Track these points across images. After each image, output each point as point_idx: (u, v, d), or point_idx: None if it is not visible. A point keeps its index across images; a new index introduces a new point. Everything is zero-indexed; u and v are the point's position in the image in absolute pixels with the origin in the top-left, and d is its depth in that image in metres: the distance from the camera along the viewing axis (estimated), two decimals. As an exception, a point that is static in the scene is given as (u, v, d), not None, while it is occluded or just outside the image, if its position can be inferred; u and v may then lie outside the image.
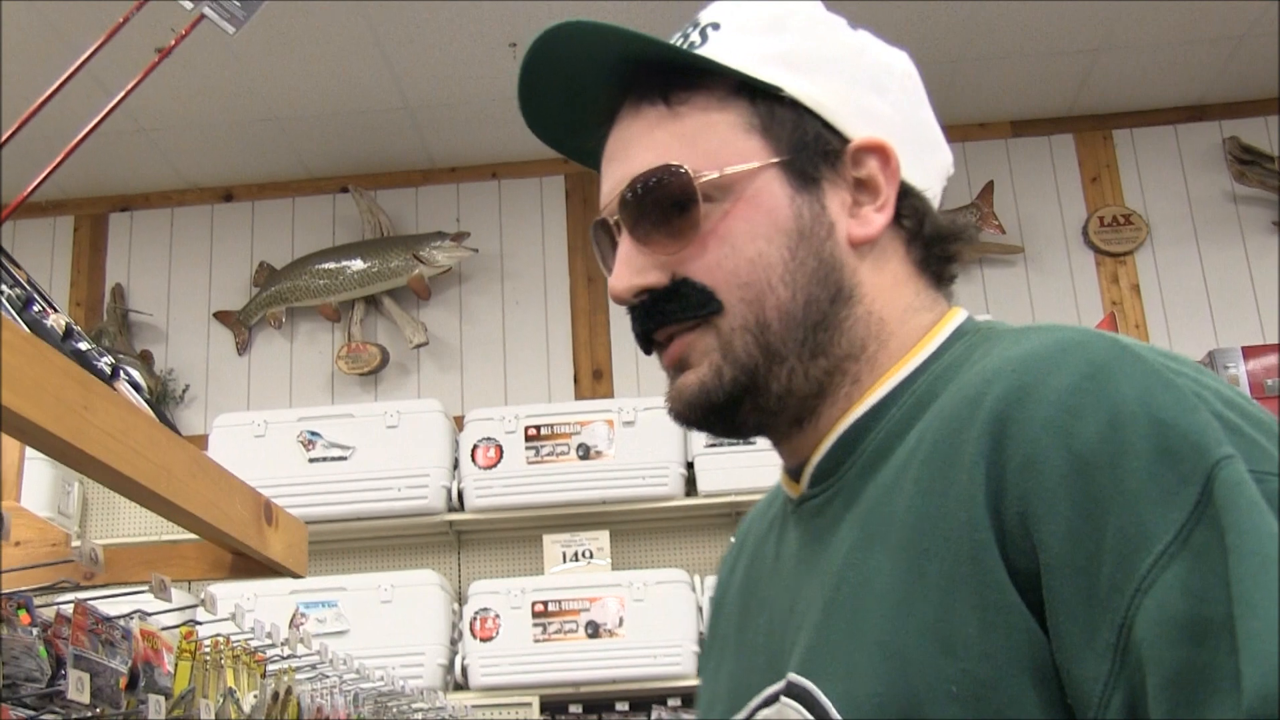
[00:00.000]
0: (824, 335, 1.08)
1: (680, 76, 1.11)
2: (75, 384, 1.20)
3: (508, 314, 6.42)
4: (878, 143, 1.11)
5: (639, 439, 5.52)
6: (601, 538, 5.60)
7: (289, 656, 2.42)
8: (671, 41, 1.15)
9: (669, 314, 1.09)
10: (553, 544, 5.60)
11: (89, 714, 1.81)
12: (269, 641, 2.29)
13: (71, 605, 1.78)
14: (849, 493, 1.06)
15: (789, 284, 1.07)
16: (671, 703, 5.32)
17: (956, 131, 6.56)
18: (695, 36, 1.14)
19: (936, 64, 5.97)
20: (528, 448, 5.56)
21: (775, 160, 1.09)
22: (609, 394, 6.14)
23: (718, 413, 1.10)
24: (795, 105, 1.10)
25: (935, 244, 1.16)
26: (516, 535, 5.81)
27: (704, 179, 1.08)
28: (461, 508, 5.60)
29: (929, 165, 1.17)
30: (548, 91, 1.15)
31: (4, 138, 1.94)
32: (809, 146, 1.10)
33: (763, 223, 1.08)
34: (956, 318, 1.15)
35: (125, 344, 6.39)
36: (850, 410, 1.09)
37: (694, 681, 5.19)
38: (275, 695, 2.37)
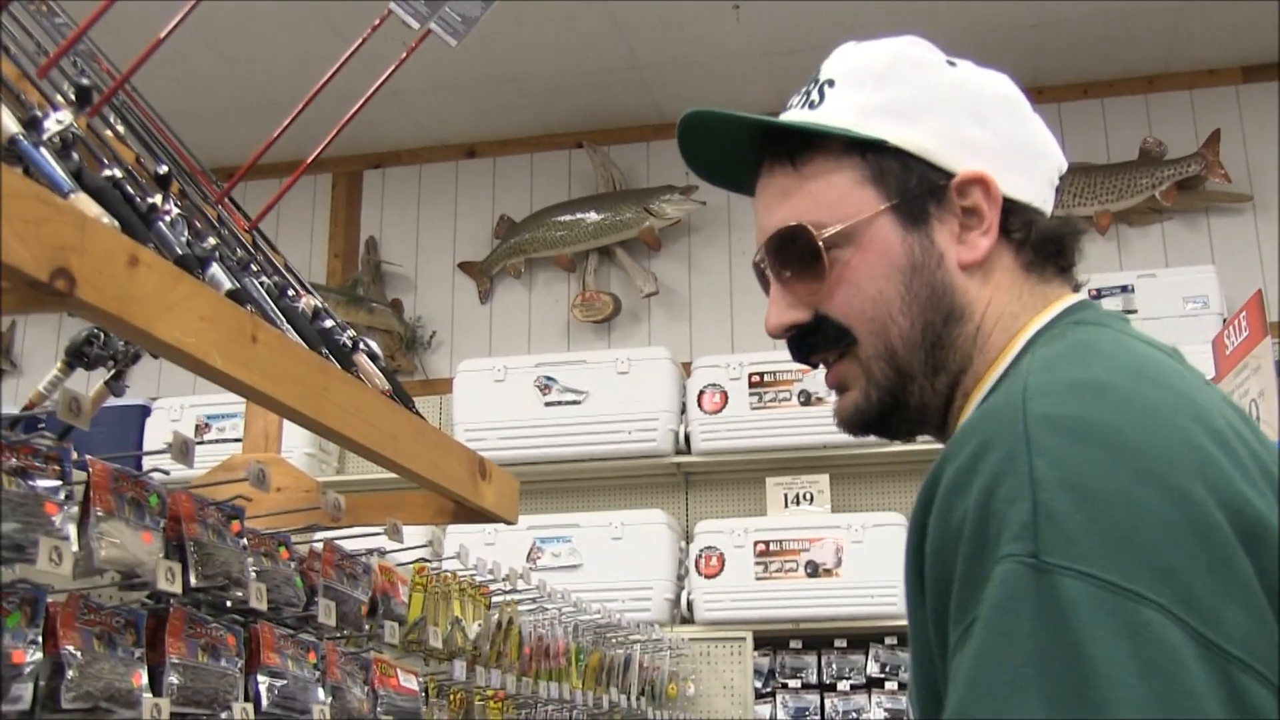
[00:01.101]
0: (941, 353, 1.24)
1: (802, 139, 1.28)
2: (316, 370, 1.48)
3: (735, 264, 6.64)
4: (977, 175, 1.25)
5: (860, 385, 5.66)
6: (822, 481, 5.80)
7: (511, 591, 2.72)
8: (797, 98, 1.33)
9: (814, 345, 1.28)
10: (775, 486, 5.83)
11: (337, 634, 2.13)
12: (491, 577, 2.59)
13: (322, 543, 2.09)
14: None
15: (907, 314, 1.23)
16: (889, 640, 5.49)
17: (1183, 79, 6.45)
18: (815, 95, 1.31)
19: (1162, 9, 5.90)
20: (751, 393, 5.78)
21: (886, 206, 1.25)
22: (832, 341, 6.27)
23: (872, 426, 1.28)
24: (900, 152, 1.26)
25: (1044, 246, 1.28)
26: (740, 477, 6.05)
27: (826, 233, 1.25)
28: (689, 450, 5.87)
29: (1035, 176, 1.30)
30: (704, 152, 1.36)
31: (298, 110, 2.21)
32: (915, 189, 1.25)
33: (880, 263, 1.24)
34: (1037, 323, 1.25)
35: (378, 293, 6.85)
36: (957, 425, 1.24)
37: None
38: (499, 625, 2.67)
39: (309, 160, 2.26)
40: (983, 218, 1.25)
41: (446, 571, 2.45)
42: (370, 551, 2.14)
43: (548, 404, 5.90)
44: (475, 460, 1.98)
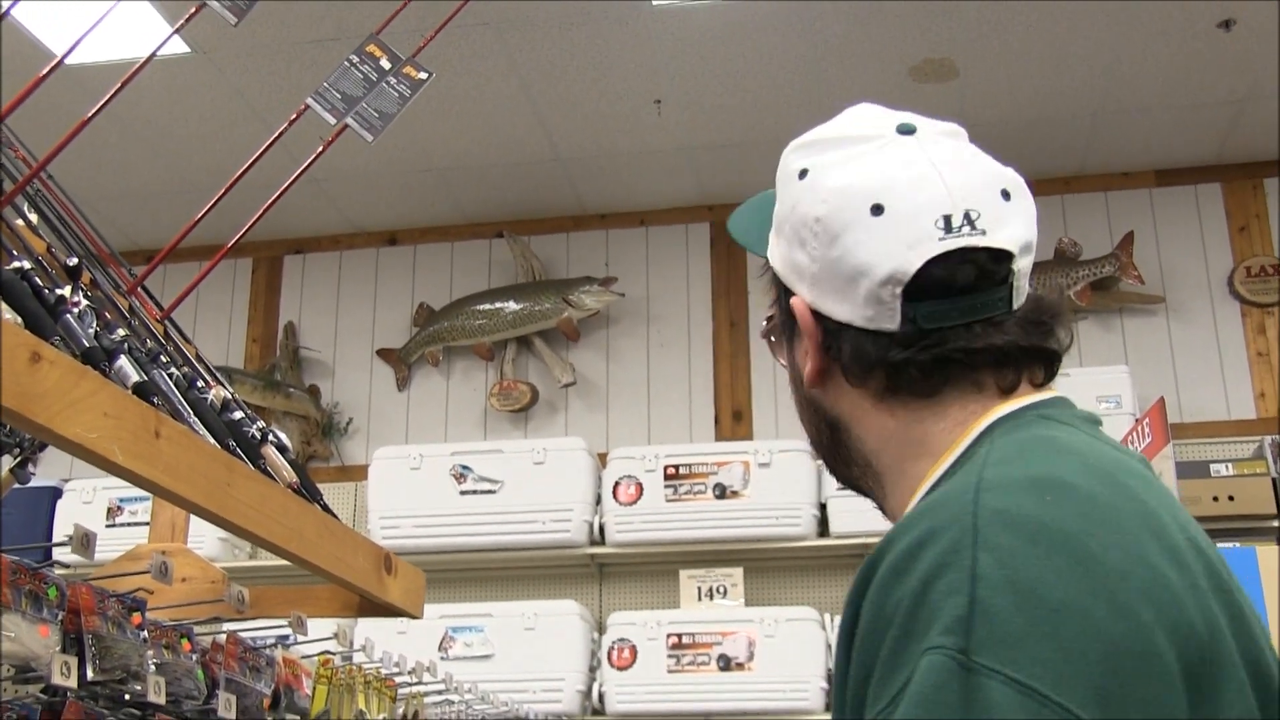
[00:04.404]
0: (843, 453, 1.28)
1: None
2: (221, 465, 1.49)
3: (653, 356, 6.69)
4: (797, 302, 1.25)
5: (774, 480, 5.73)
6: (736, 574, 5.82)
7: (417, 684, 2.70)
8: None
9: None
10: (689, 579, 5.84)
11: (237, 729, 2.11)
12: (397, 670, 2.57)
13: (225, 635, 2.08)
14: None
15: (804, 421, 1.33)
16: (799, 736, 5.50)
17: (1098, 181, 6.61)
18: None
19: (1079, 115, 6.06)
20: (666, 486, 5.80)
21: (780, 320, 1.32)
22: (749, 435, 6.35)
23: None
24: None
25: (872, 368, 1.22)
26: (654, 569, 6.05)
27: (765, 329, 1.37)
28: (603, 542, 5.87)
29: (852, 296, 1.20)
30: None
31: (218, 196, 2.22)
32: (784, 308, 1.29)
33: (789, 370, 1.34)
34: (997, 412, 1.18)
35: (296, 378, 6.83)
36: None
37: (822, 716, 5.38)
38: (404, 718, 2.65)
39: (222, 252, 2.28)
40: (811, 338, 1.25)
41: (352, 664, 2.44)
42: (275, 642, 2.12)
43: (463, 493, 5.89)
44: (381, 555, 1.98)
